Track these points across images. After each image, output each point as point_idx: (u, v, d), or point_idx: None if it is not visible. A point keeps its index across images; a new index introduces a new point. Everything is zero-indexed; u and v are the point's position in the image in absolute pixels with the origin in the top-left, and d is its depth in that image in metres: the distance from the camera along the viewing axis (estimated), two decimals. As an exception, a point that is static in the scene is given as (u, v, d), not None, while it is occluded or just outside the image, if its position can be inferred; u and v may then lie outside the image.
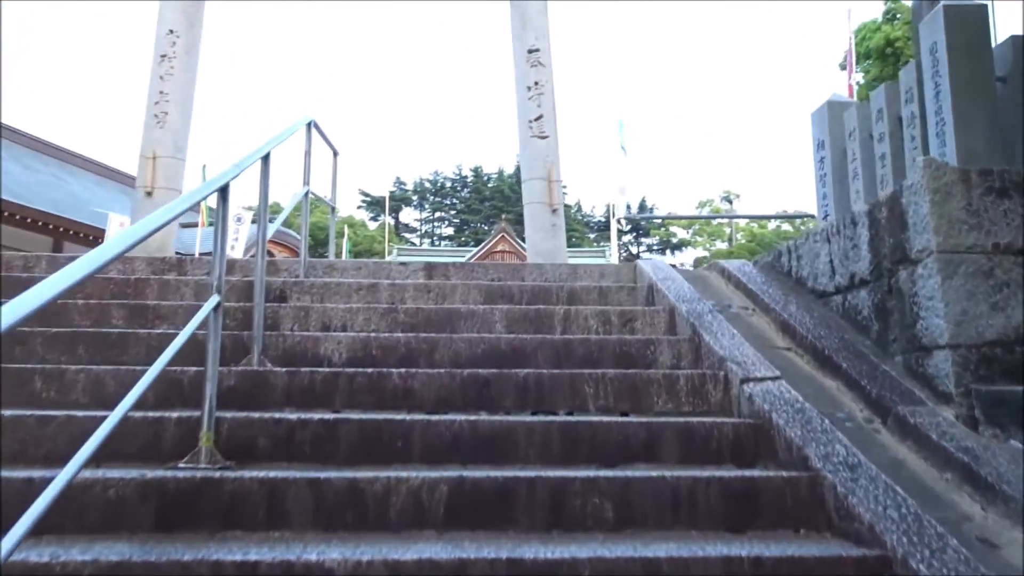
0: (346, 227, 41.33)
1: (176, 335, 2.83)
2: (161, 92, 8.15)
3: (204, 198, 3.05)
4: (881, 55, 21.35)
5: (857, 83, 23.49)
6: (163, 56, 8.24)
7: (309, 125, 5.18)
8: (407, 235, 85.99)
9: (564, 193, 8.18)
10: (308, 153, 5.19)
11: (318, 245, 58.05)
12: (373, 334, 3.97)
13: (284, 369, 3.47)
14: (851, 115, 5.23)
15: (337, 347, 3.88)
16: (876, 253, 3.83)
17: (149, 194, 7.91)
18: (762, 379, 3.45)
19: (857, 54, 22.64)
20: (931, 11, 5.16)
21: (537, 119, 8.27)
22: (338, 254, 29.96)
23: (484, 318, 4.35)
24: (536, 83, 8.35)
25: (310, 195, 5.45)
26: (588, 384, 3.51)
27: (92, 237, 19.34)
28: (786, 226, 74.24)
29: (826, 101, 5.64)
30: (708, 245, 75.10)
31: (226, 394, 3.37)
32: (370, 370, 3.49)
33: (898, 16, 21.72)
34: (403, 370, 3.50)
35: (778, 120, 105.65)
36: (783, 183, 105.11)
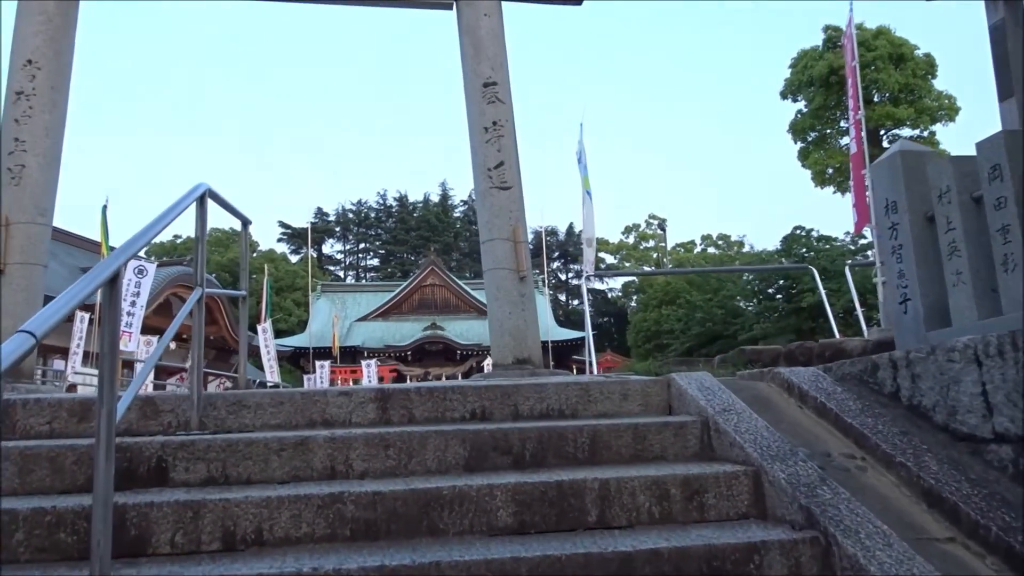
0: (266, 265, 38.89)
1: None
2: (17, 140, 6.33)
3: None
4: (825, 83, 20.85)
5: (799, 112, 23.01)
6: (19, 94, 6.43)
7: (202, 197, 3.57)
8: (331, 268, 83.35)
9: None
10: (201, 240, 3.57)
11: (231, 266, 54.91)
12: (308, 567, 2.37)
13: None
14: (940, 170, 3.96)
15: (246, 598, 2.27)
16: (1099, 403, 2.48)
17: (0, 271, 6.07)
18: (991, 654, 2.02)
19: (799, 82, 22.16)
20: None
21: (498, 167, 6.80)
22: (253, 322, 27.55)
23: (480, 504, 2.81)
24: (495, 123, 6.90)
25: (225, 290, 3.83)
26: (690, 669, 2.02)
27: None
28: (711, 249, 75.18)
29: (897, 150, 4.36)
30: (635, 270, 75.22)
31: None
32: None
33: (839, 44, 21.29)
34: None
35: (705, 145, 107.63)
36: (709, 206, 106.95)
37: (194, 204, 3.54)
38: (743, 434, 3.21)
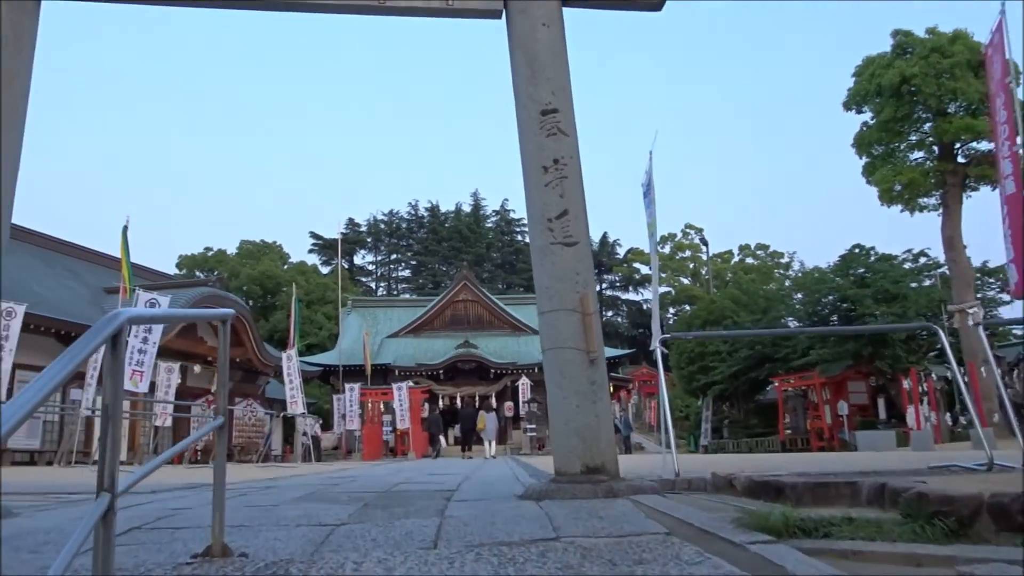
0: (294, 284, 37.84)
1: None
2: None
3: None
4: (896, 93, 19.02)
5: (865, 124, 21.19)
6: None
7: (116, 336, 2.14)
8: (362, 279, 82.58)
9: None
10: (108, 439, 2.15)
11: (262, 279, 54.00)
12: None
13: None
14: None
15: None
16: None
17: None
18: None
19: (864, 92, 20.38)
20: None
21: (560, 216, 5.34)
22: (283, 338, 26.11)
23: None
24: (556, 161, 5.45)
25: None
26: None
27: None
28: (750, 260, 73.01)
29: None
30: (672, 282, 73.37)
31: None
32: None
33: (909, 50, 19.47)
34: None
35: (752, 155, 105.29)
36: (751, 220, 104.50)
37: (105, 347, 2.13)
38: None
